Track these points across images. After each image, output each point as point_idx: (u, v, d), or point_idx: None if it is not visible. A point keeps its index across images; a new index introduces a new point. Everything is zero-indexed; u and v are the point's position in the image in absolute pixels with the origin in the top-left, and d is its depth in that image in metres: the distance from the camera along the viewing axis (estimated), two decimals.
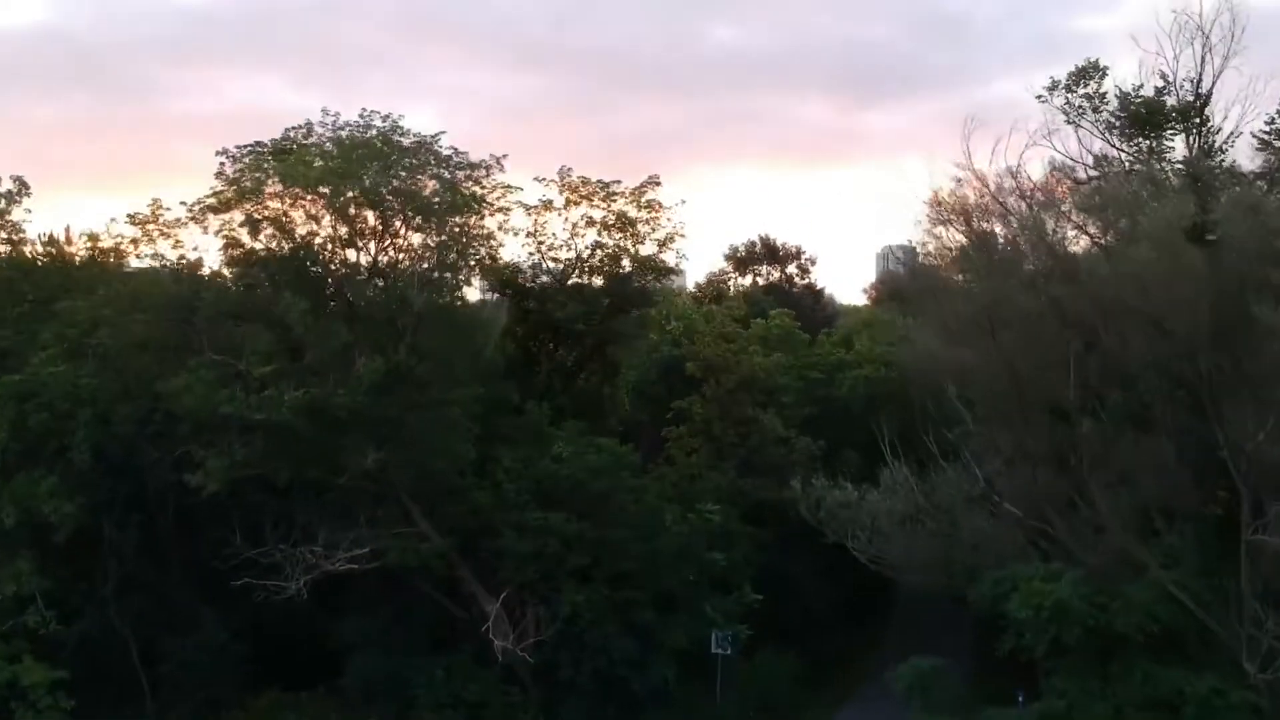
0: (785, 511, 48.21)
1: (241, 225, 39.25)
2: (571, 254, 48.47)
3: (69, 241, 65.47)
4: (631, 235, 47.95)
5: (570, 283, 48.03)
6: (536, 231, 48.49)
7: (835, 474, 49.68)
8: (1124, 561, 29.32)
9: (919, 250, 41.47)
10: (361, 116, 41.21)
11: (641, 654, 40.31)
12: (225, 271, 41.17)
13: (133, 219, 39.32)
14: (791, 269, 76.81)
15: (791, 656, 45.23)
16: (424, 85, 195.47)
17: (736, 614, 43.27)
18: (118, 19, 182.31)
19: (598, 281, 49.17)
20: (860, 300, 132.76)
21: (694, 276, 78.69)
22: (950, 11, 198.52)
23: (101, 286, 39.68)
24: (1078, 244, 42.03)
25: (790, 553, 47.72)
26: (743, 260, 77.26)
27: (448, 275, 39.35)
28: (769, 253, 76.55)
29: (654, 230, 48.95)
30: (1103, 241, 29.80)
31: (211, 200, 39.09)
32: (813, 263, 79.42)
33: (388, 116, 41.10)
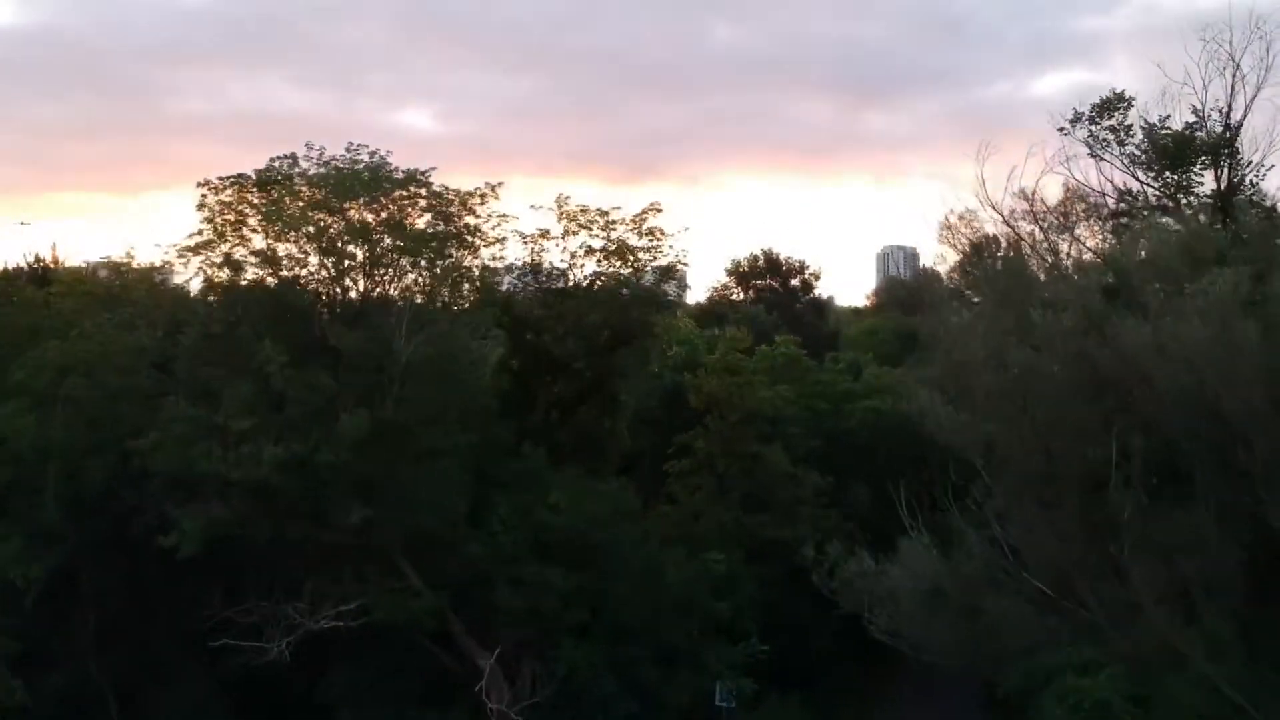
0: (791, 549, 45.71)
1: (221, 266, 36.47)
2: (570, 284, 45.67)
3: (55, 261, 63.14)
4: (632, 265, 45.06)
5: (568, 315, 45.06)
6: (534, 261, 45.83)
7: (844, 512, 47.41)
8: (1163, 646, 26.33)
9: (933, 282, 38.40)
10: (348, 150, 38.55)
11: (642, 713, 37.67)
12: (209, 298, 38.52)
13: (108, 264, 36.45)
14: (794, 283, 73.56)
15: (797, 705, 42.49)
16: (425, 85, 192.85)
17: (741, 665, 40.57)
18: (118, 19, 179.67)
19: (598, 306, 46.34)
20: (860, 301, 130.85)
21: (695, 280, 76.32)
22: (950, 12, 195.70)
23: (75, 328, 36.73)
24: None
25: (796, 591, 44.84)
26: (745, 274, 74.22)
27: (439, 313, 36.22)
28: (771, 266, 73.47)
29: (655, 258, 46.31)
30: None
31: (190, 242, 36.33)
32: (816, 277, 76.53)
33: (374, 152, 38.30)
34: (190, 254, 36.15)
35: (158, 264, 36.67)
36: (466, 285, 42.09)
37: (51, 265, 63.46)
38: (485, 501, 38.32)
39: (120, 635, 38.48)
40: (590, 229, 44.80)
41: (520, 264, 47.23)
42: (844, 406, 52.30)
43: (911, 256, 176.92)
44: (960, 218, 67.82)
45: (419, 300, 39.04)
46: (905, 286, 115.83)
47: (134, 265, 37.89)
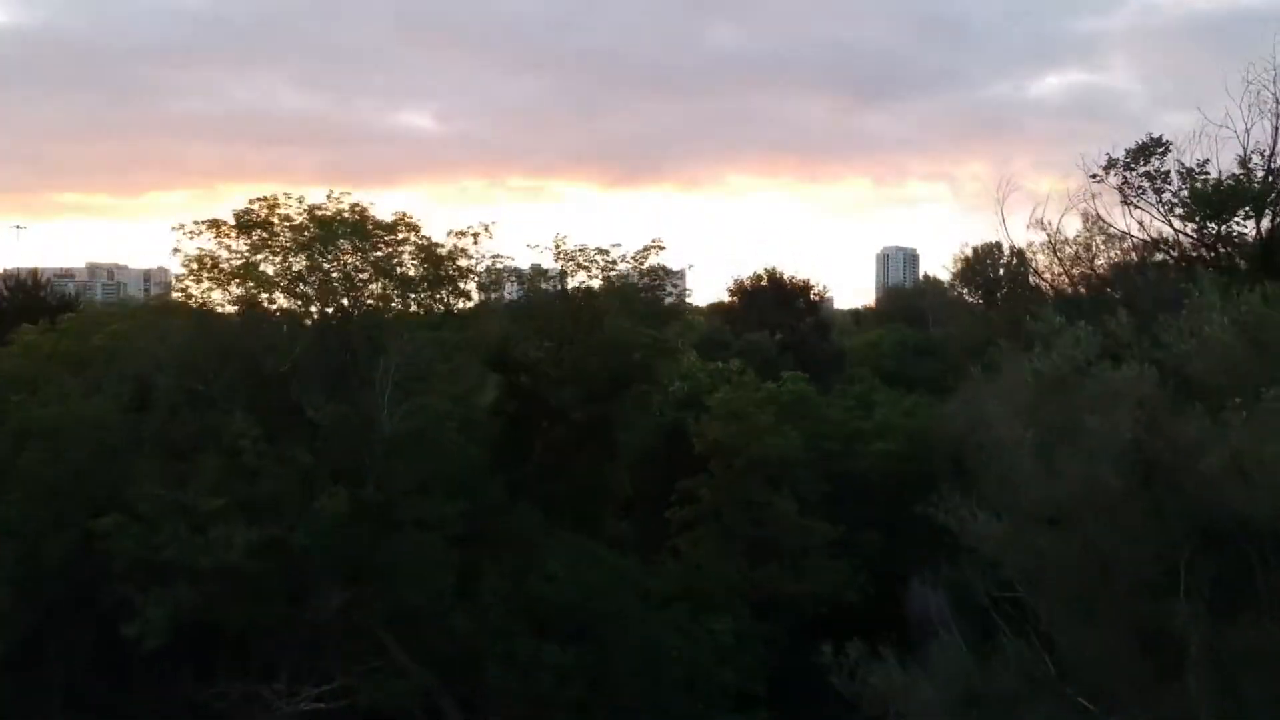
0: (800, 604, 42.58)
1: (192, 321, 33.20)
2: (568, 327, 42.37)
3: (37, 286, 59.78)
4: (631, 307, 41.78)
5: (566, 360, 41.71)
6: (530, 303, 42.63)
7: (854, 563, 44.12)
8: None
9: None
10: (330, 199, 35.29)
11: None
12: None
13: (73, 326, 33.18)
14: (799, 304, 69.82)
15: None
16: (425, 85, 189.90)
17: None
18: (118, 20, 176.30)
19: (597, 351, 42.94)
20: (860, 302, 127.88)
21: (695, 285, 72.77)
22: (949, 14, 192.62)
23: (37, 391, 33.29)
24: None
25: (805, 651, 41.71)
26: (749, 294, 70.57)
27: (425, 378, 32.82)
28: (775, 286, 69.85)
29: (656, 299, 43.17)
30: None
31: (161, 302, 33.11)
32: (821, 298, 72.95)
33: (357, 204, 35.07)
34: (159, 316, 32.80)
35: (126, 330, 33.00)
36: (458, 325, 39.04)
37: (35, 288, 60.29)
38: (475, 570, 34.97)
39: (90, 705, 35.38)
40: (589, 269, 41.63)
41: (517, 304, 44.49)
42: (854, 446, 48.81)
43: (911, 258, 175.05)
44: (975, 250, 64.80)
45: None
46: (906, 295, 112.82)
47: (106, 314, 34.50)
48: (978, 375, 28.90)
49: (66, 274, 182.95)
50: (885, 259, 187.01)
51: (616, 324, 40.61)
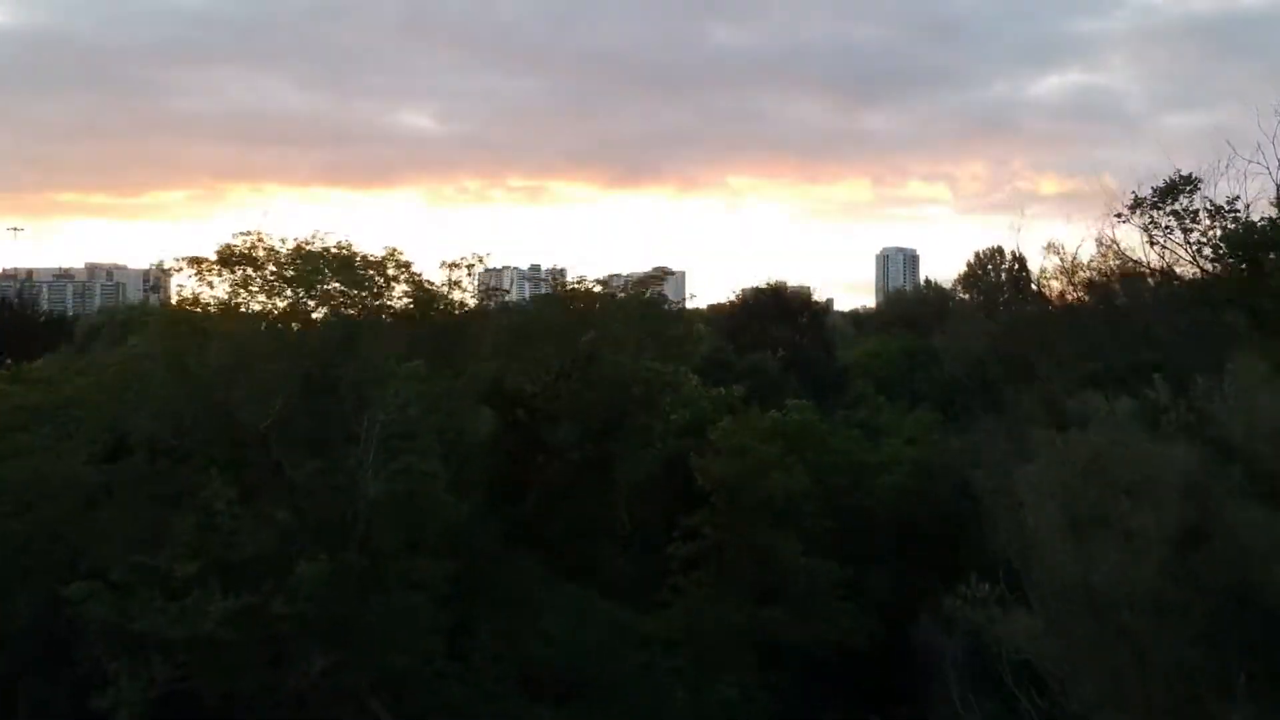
0: (808, 650, 40.50)
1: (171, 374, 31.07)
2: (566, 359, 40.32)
3: (24, 304, 57.76)
4: (632, 343, 39.77)
5: (564, 394, 39.66)
6: (527, 333, 40.63)
7: (861, 604, 42.13)
8: None
9: None
10: (314, 236, 33.35)
11: None
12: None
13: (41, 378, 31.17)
14: (802, 320, 67.67)
15: None
16: (425, 85, 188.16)
17: None
18: (118, 20, 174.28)
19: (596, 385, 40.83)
20: (859, 302, 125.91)
21: (696, 288, 71.03)
22: (948, 14, 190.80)
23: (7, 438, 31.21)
24: None
25: (813, 701, 39.76)
26: (751, 309, 68.43)
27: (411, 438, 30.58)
28: (777, 300, 67.72)
29: (657, 330, 41.15)
30: None
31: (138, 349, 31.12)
32: (825, 311, 70.88)
33: (342, 243, 33.12)
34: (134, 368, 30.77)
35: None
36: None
37: (20, 303, 58.29)
38: (467, 627, 32.90)
39: None
40: (590, 305, 39.64)
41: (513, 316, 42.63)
42: (860, 480, 46.59)
43: (911, 258, 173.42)
44: (977, 255, 63.02)
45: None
46: (907, 300, 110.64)
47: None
48: (993, 425, 26.97)
49: (65, 274, 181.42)
50: (885, 259, 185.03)
51: (615, 358, 38.57)
